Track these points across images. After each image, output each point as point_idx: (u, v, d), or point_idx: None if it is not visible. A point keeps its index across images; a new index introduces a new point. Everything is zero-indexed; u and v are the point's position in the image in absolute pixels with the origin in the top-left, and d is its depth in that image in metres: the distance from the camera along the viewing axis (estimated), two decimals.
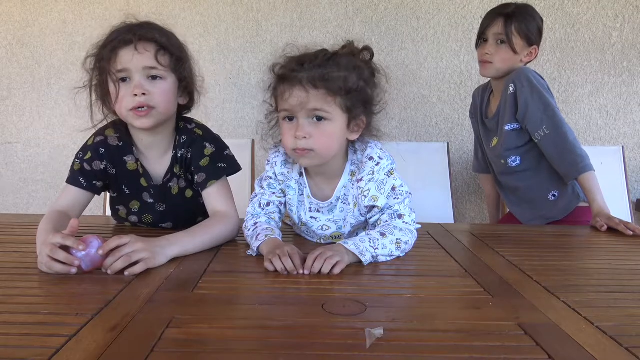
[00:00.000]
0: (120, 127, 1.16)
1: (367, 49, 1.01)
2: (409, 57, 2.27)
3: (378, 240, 0.95)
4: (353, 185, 1.04)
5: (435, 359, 0.59)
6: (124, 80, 1.06)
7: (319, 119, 0.95)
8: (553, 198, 1.61)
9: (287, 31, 2.25)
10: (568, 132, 1.50)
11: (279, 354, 0.58)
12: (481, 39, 1.64)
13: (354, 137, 1.01)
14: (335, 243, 0.96)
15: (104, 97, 1.11)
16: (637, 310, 0.77)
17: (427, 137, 2.31)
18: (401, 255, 0.99)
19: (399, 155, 1.09)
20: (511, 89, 1.56)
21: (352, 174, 1.05)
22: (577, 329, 0.68)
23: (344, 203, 1.07)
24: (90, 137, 1.17)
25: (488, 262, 1.00)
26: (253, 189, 1.85)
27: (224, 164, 1.15)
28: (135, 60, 1.05)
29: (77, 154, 1.16)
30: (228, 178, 1.18)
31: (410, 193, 1.05)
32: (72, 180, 1.13)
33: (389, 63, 2.27)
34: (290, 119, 0.97)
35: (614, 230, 1.31)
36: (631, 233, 1.27)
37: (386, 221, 1.02)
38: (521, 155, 1.62)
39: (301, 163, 1.02)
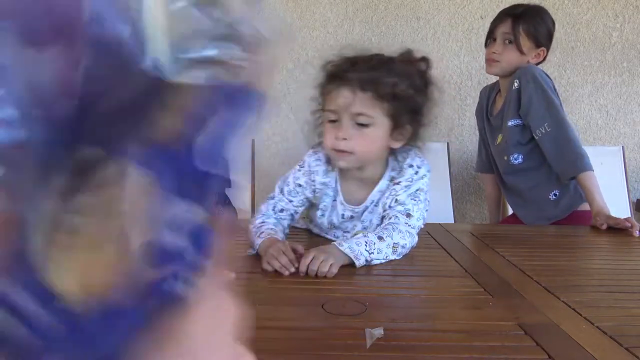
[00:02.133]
0: None
1: (424, 59, 1.01)
2: None
3: (374, 244, 0.93)
4: (389, 190, 1.03)
5: (435, 359, 0.59)
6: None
7: (363, 125, 0.95)
8: (554, 197, 1.61)
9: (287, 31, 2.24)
10: (569, 131, 1.50)
11: (279, 354, 0.58)
12: (490, 38, 1.65)
13: (397, 145, 1.00)
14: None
15: None
16: (637, 310, 0.77)
17: (427, 137, 2.30)
18: (397, 258, 0.97)
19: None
20: (516, 84, 1.56)
21: (392, 179, 1.04)
22: (577, 329, 0.68)
23: (376, 206, 1.06)
24: None
25: (488, 262, 1.00)
26: (253, 188, 1.85)
27: None
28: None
29: None
30: None
31: (428, 201, 1.05)
32: None
33: None
34: (334, 121, 0.97)
35: (614, 230, 1.31)
36: (638, 234, 1.26)
37: (395, 216, 0.99)
38: (524, 154, 1.62)
39: (338, 164, 1.02)
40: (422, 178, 1.03)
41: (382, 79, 0.92)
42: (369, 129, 0.95)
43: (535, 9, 1.62)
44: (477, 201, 2.34)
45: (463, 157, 2.29)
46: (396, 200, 1.01)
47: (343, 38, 2.26)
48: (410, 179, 1.01)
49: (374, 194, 1.04)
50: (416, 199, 1.02)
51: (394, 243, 0.95)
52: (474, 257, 1.05)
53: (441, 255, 1.06)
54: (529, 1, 1.67)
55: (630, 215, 1.64)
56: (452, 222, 1.93)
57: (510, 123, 1.61)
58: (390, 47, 2.25)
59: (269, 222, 1.03)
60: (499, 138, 1.69)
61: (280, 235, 1.00)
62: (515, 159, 1.64)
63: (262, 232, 0.98)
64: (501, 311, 0.74)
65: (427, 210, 1.05)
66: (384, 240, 0.95)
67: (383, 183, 1.04)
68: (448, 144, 2.12)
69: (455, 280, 0.90)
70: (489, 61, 1.62)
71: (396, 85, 0.93)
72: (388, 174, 1.04)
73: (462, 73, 2.27)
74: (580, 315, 0.73)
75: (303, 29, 2.25)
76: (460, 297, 0.82)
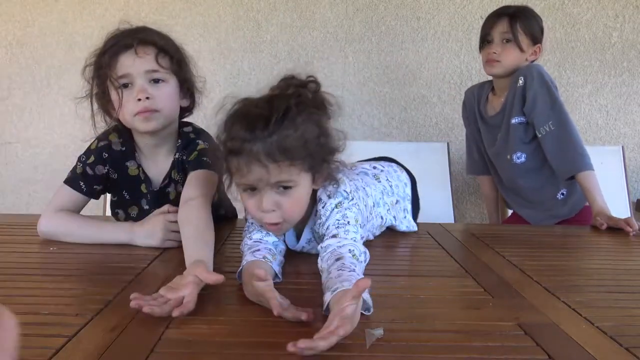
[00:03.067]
0: (123, 131, 1.16)
1: (311, 81, 0.88)
2: (409, 57, 2.27)
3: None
4: (315, 229, 0.96)
5: (435, 359, 0.59)
6: (125, 86, 1.06)
7: (285, 187, 0.84)
8: (562, 197, 1.61)
9: (287, 31, 2.25)
10: (573, 130, 1.51)
11: (279, 354, 0.58)
12: (485, 40, 1.64)
13: (319, 186, 0.91)
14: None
15: (106, 105, 1.11)
16: (637, 310, 0.77)
17: (427, 137, 2.31)
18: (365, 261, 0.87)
19: (398, 155, 1.03)
20: (520, 81, 1.56)
21: (316, 213, 0.95)
22: (577, 329, 0.68)
23: (312, 241, 0.99)
24: (94, 141, 1.17)
25: (488, 262, 1.00)
26: None
27: (209, 160, 1.11)
28: (136, 64, 1.05)
29: (79, 157, 1.16)
30: None
31: (361, 225, 0.92)
32: (72, 183, 1.13)
33: (389, 63, 2.27)
34: (252, 189, 0.84)
35: (614, 230, 1.31)
36: (635, 233, 1.27)
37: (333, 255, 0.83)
38: (527, 152, 1.62)
39: (274, 234, 0.94)
40: (335, 208, 0.91)
41: (290, 141, 0.80)
42: (292, 190, 0.84)
43: (524, 8, 1.65)
44: (477, 201, 2.34)
45: (463, 157, 2.28)
46: (324, 237, 0.90)
47: (343, 38, 2.26)
48: (319, 216, 0.92)
49: (306, 232, 0.98)
50: (340, 227, 0.89)
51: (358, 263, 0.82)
52: (474, 257, 1.05)
53: (441, 255, 1.06)
54: (519, 2, 1.69)
55: (630, 215, 1.64)
56: (452, 222, 1.93)
57: (513, 121, 1.60)
58: (390, 47, 2.25)
59: (259, 240, 0.93)
60: (500, 137, 1.68)
61: (270, 253, 0.89)
62: (518, 158, 1.63)
63: (246, 254, 0.88)
64: (501, 311, 0.74)
65: (361, 225, 0.93)
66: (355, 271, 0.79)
67: (311, 221, 0.96)
68: (448, 144, 2.12)
69: (455, 280, 0.90)
70: (490, 62, 1.62)
71: (306, 141, 0.82)
72: (314, 209, 0.95)
73: (462, 73, 2.27)
74: (580, 315, 0.73)
75: (303, 29, 2.25)
76: (460, 297, 0.82)
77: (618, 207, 1.66)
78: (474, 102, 1.78)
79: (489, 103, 1.74)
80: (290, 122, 0.80)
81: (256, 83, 2.31)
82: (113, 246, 1.04)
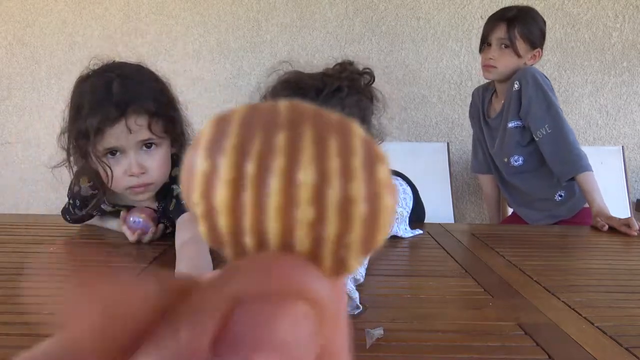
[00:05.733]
0: (94, 173, 1.04)
1: (367, 72, 0.89)
2: (409, 57, 2.27)
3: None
4: None
5: (435, 359, 0.59)
6: (113, 154, 0.96)
7: None
8: (560, 198, 1.62)
9: (287, 31, 2.25)
10: (569, 133, 1.51)
11: None
12: (484, 43, 1.65)
13: None
14: None
15: (88, 172, 1.02)
16: (637, 310, 0.77)
17: (427, 137, 2.31)
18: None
19: (398, 155, 1.02)
20: (516, 86, 1.57)
21: None
22: (577, 329, 0.68)
23: None
24: (71, 181, 1.13)
25: (488, 262, 1.01)
26: None
27: None
28: (129, 138, 0.94)
29: (67, 193, 1.15)
30: None
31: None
32: (63, 213, 1.17)
33: (389, 63, 2.27)
34: None
35: (614, 230, 1.31)
36: (635, 233, 1.27)
37: None
38: (524, 156, 1.63)
39: None
40: None
41: None
42: None
43: (526, 10, 1.63)
44: (477, 201, 2.34)
45: (463, 157, 2.29)
46: None
47: (343, 38, 2.26)
48: None
49: None
50: None
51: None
52: (474, 257, 1.05)
53: (441, 255, 1.06)
54: (520, 2, 1.68)
55: (630, 215, 1.64)
56: (452, 222, 1.93)
57: (510, 125, 1.61)
58: (390, 47, 2.25)
59: None
60: (498, 140, 1.69)
61: None
62: (516, 161, 1.64)
63: None
64: (501, 311, 0.74)
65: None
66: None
67: None
68: (448, 144, 2.12)
69: (455, 280, 0.90)
70: (486, 67, 1.63)
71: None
72: None
73: (462, 73, 2.28)
74: (580, 315, 0.73)
75: (303, 29, 2.25)
76: (460, 297, 0.82)
77: (618, 207, 1.66)
78: (479, 102, 1.79)
79: (492, 105, 1.75)
80: (338, 100, 0.82)
81: (256, 83, 2.32)
82: (113, 246, 1.04)
